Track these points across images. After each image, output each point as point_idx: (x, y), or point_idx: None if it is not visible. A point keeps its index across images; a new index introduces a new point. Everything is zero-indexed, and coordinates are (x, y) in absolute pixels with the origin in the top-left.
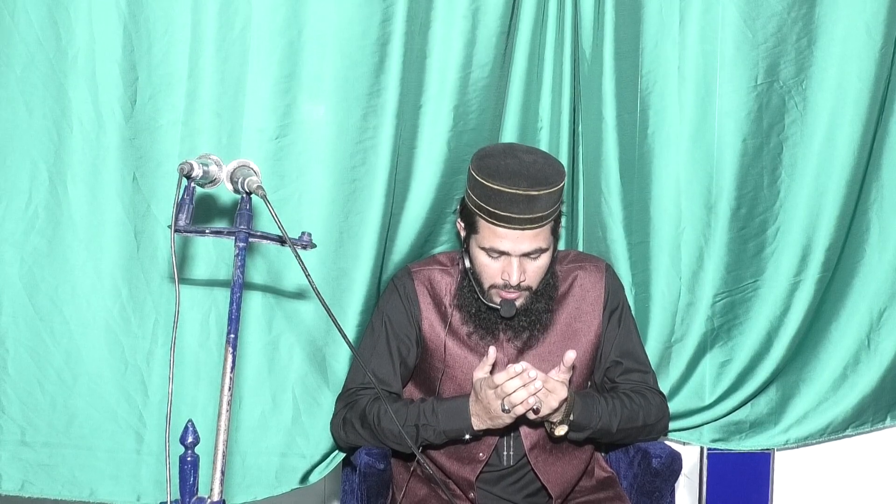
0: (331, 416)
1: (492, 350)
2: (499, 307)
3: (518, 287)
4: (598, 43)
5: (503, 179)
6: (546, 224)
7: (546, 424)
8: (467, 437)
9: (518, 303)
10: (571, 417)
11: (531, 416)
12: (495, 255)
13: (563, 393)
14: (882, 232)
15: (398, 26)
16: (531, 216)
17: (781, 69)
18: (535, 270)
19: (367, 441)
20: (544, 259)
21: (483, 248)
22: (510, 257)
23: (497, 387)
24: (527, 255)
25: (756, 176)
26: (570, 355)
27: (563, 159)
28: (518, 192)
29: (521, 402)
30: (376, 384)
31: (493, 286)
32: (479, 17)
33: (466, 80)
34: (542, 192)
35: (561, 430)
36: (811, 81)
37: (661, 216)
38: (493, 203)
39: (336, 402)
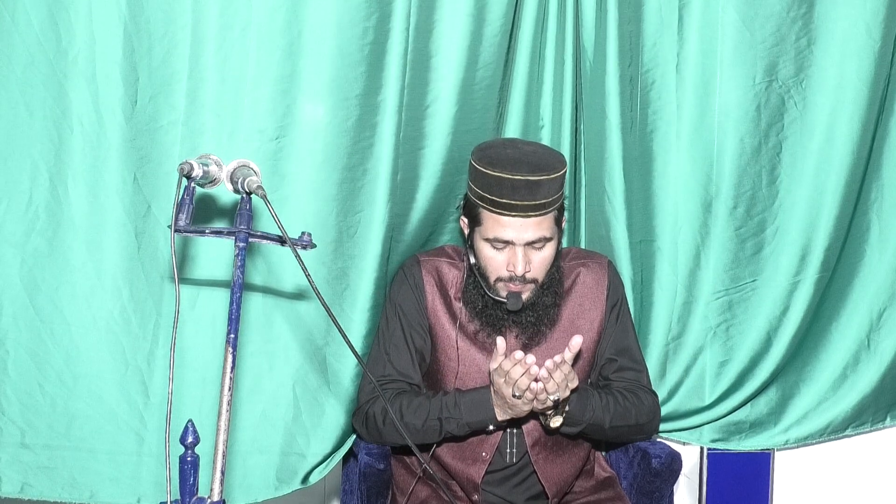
0: (331, 416)
1: (500, 340)
2: (505, 301)
3: (524, 279)
4: (600, 41)
5: (505, 167)
6: (549, 212)
7: (541, 417)
8: (491, 427)
9: (524, 296)
10: (567, 408)
11: (550, 403)
12: (500, 245)
13: (576, 381)
14: (882, 232)
15: (397, 25)
16: (534, 202)
17: (780, 68)
18: (540, 262)
19: (391, 437)
20: (549, 250)
21: (487, 240)
22: (514, 247)
23: (506, 374)
24: (531, 244)
25: (754, 175)
26: (577, 340)
27: (565, 158)
28: (520, 177)
29: (528, 389)
30: (379, 390)
31: (498, 279)
32: (484, 16)
33: (472, 79)
34: (543, 178)
35: (556, 422)
36: (810, 81)
37: (662, 214)
38: (495, 191)
39: (358, 395)
